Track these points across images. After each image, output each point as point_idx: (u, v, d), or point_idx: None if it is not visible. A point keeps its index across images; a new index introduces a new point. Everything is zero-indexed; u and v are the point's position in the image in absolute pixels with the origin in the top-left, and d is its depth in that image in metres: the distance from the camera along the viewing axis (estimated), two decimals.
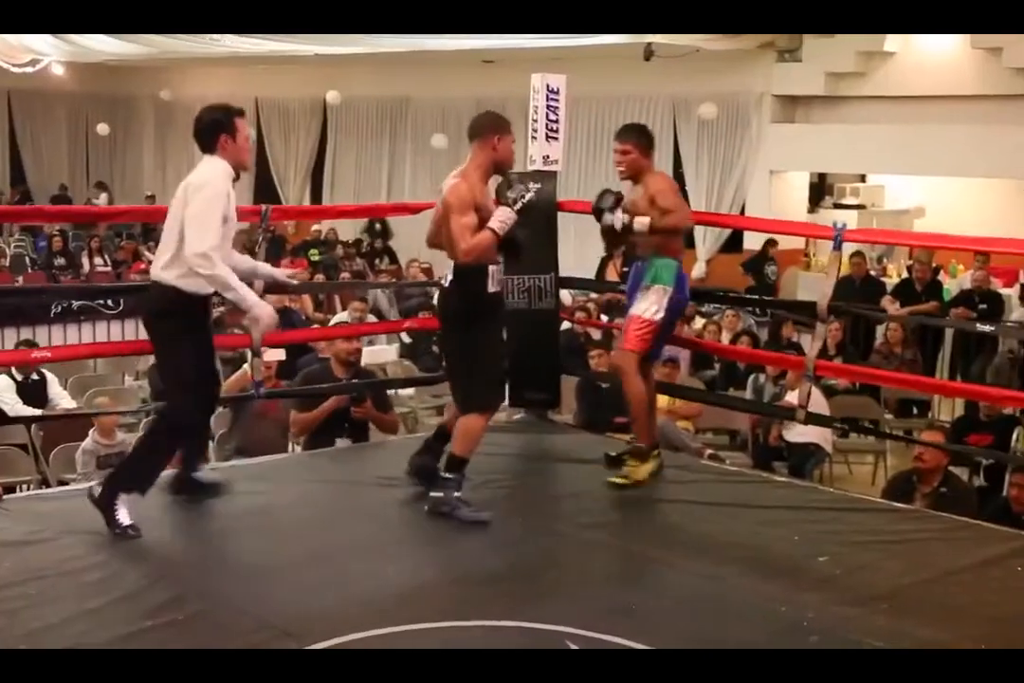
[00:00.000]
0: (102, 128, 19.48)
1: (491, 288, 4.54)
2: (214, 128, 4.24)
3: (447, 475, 4.49)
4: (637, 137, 5.11)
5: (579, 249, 12.01)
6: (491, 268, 4.52)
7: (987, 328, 6.35)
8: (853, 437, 8.31)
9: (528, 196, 4.49)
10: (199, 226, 4.06)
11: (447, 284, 4.54)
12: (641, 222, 4.92)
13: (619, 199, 5.00)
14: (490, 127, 4.56)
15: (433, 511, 4.47)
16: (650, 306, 4.96)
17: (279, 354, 5.86)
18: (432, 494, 4.49)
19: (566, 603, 3.73)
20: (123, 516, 4.12)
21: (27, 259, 15.60)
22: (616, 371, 5.10)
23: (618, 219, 4.96)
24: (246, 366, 6.74)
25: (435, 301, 4.82)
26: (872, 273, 11.39)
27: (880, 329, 9.80)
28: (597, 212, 5.05)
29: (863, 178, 14.84)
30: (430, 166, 16.80)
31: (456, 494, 4.46)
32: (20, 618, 3.54)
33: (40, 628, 3.47)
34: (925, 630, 3.58)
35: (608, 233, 5.09)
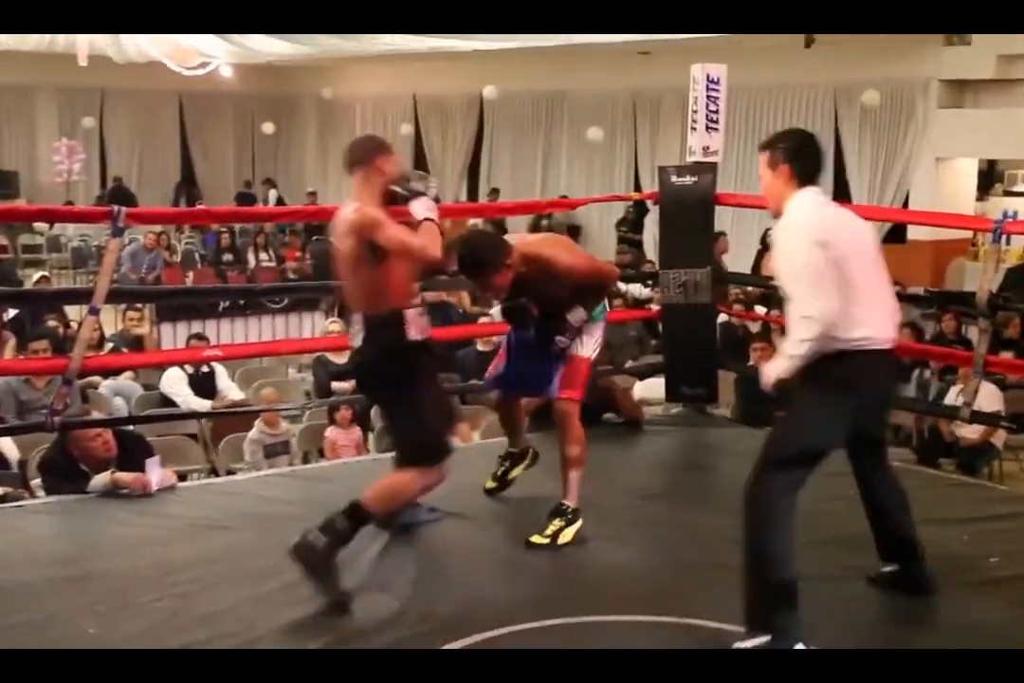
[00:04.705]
0: (267, 127, 20.07)
1: (412, 335, 3.81)
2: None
3: (341, 522, 3.69)
4: None
5: (735, 242, 11.87)
6: (408, 313, 3.80)
7: None
8: None
9: (435, 185, 3.90)
10: None
11: (359, 342, 3.86)
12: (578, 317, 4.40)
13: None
14: (373, 149, 3.88)
15: (298, 555, 3.65)
16: (594, 344, 4.47)
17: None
18: (310, 536, 3.65)
19: (729, 600, 3.69)
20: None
21: (197, 255, 16.18)
22: (562, 418, 4.39)
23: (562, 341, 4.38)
24: None
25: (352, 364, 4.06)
26: None
27: None
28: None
29: None
30: (586, 159, 16.81)
31: (331, 545, 3.65)
32: (194, 601, 3.69)
33: (212, 612, 3.60)
34: None
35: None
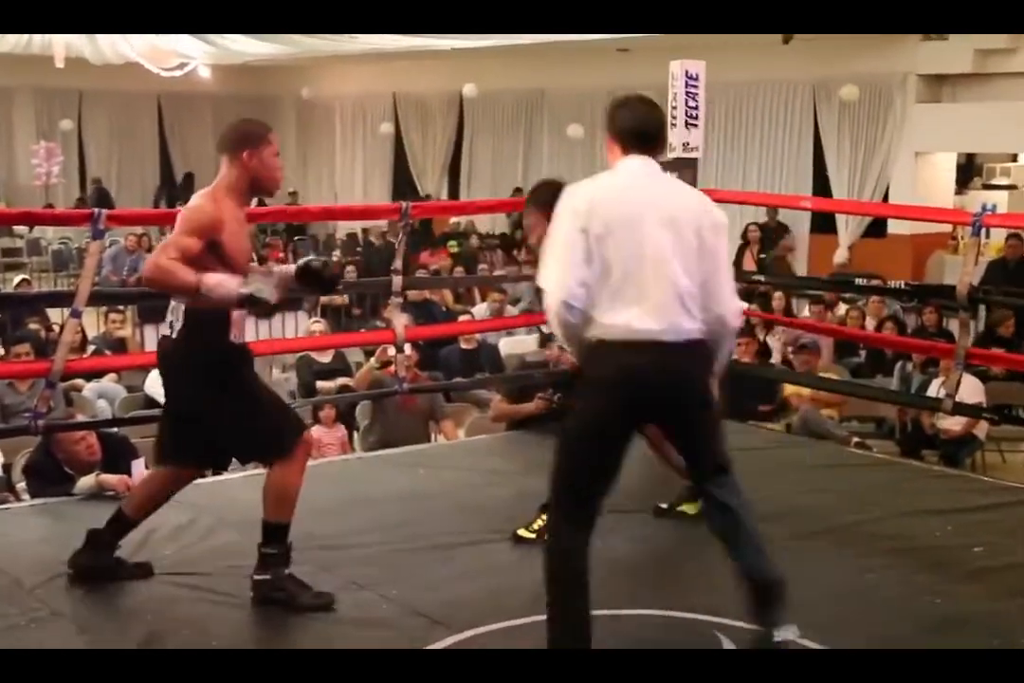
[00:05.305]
0: None
1: (235, 337, 3.61)
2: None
3: (268, 550, 3.65)
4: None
5: None
6: (236, 314, 3.56)
7: None
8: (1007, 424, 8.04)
9: (266, 292, 3.41)
10: None
11: (173, 333, 3.56)
12: None
13: None
14: (237, 140, 3.61)
15: (264, 600, 3.64)
16: None
17: None
18: (256, 577, 3.66)
19: (713, 593, 3.71)
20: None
21: None
22: None
23: None
24: (372, 360, 6.89)
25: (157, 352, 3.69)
26: None
27: None
28: None
29: (1014, 157, 14.34)
30: (567, 157, 16.82)
31: (287, 572, 3.66)
32: (179, 602, 3.68)
33: (198, 613, 3.60)
34: None
35: None
